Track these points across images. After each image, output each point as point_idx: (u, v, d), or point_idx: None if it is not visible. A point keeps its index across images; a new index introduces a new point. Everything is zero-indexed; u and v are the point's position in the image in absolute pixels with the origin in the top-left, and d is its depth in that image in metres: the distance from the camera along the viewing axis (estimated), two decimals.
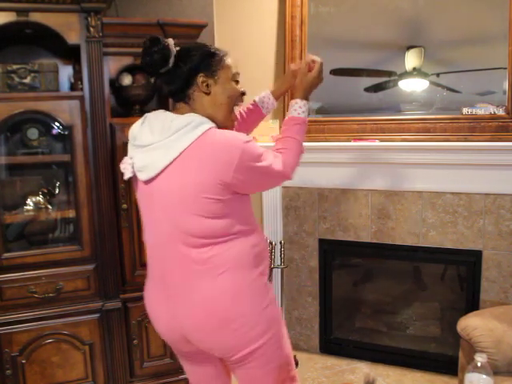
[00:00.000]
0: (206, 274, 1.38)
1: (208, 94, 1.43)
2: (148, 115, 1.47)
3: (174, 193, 1.35)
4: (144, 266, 2.41)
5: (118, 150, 2.30)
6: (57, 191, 2.43)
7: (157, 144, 1.36)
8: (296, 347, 2.97)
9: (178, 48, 1.44)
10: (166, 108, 1.54)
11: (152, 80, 1.49)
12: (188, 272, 1.39)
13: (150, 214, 1.45)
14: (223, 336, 1.40)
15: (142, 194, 1.46)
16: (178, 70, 1.41)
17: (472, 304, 2.52)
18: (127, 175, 1.44)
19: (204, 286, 1.38)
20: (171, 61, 1.40)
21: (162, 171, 1.35)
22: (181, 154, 1.32)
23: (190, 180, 1.33)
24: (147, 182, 1.39)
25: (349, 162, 2.66)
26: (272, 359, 1.46)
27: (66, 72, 2.43)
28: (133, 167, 1.42)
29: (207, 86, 1.43)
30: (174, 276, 1.41)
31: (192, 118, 1.35)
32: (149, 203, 1.43)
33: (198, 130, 1.33)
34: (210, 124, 1.37)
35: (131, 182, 1.55)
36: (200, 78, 1.42)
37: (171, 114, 1.41)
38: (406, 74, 2.57)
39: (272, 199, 2.89)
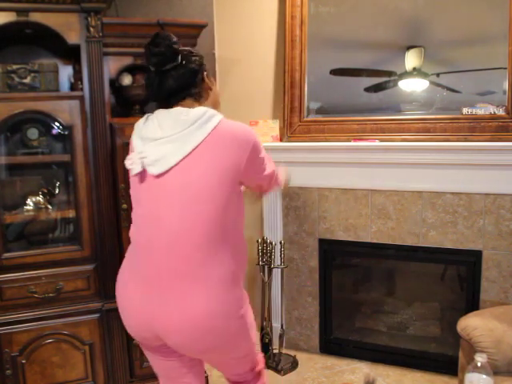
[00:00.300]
0: (201, 281, 1.38)
1: (211, 90, 1.54)
2: (151, 114, 1.47)
3: (188, 186, 1.36)
4: None
5: (118, 150, 2.29)
6: (57, 191, 2.43)
7: (172, 137, 1.37)
8: (296, 347, 2.98)
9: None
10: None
11: (152, 75, 1.46)
12: (185, 275, 1.38)
13: (153, 209, 1.41)
14: (202, 343, 1.42)
15: (145, 190, 1.43)
16: (188, 66, 1.45)
17: (472, 304, 2.52)
18: (136, 170, 1.41)
19: (197, 293, 1.38)
20: (180, 57, 1.44)
21: (176, 164, 1.36)
22: (197, 145, 1.35)
23: (206, 170, 1.36)
24: (158, 176, 1.38)
25: (349, 161, 2.66)
26: (240, 352, 1.55)
27: (65, 72, 2.43)
28: (142, 162, 1.40)
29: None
30: (165, 277, 1.39)
31: (205, 109, 1.41)
32: (154, 198, 1.41)
33: (214, 120, 1.39)
34: (221, 115, 1.42)
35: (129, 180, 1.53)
36: (206, 77, 1.52)
37: (182, 108, 1.43)
38: (405, 74, 2.57)
39: (272, 199, 2.89)
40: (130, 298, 1.47)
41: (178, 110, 1.42)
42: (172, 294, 1.38)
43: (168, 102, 1.46)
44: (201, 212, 1.36)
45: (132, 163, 1.42)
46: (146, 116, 1.49)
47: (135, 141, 1.47)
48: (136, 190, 1.48)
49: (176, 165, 1.36)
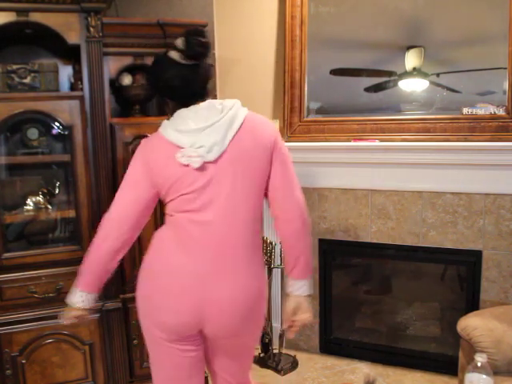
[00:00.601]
0: (253, 258, 1.53)
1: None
2: (178, 113, 1.49)
3: (240, 167, 1.45)
4: None
5: (117, 150, 2.30)
6: (57, 191, 2.43)
7: (218, 123, 1.43)
8: (296, 347, 2.97)
9: None
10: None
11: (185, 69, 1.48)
12: (243, 253, 1.49)
13: (209, 192, 1.45)
14: (247, 321, 1.53)
15: (201, 177, 1.45)
16: (207, 65, 1.52)
17: (472, 304, 2.52)
18: (198, 163, 1.42)
19: (253, 270, 1.52)
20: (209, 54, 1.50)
21: (227, 147, 1.44)
22: (237, 131, 1.45)
23: (249, 151, 1.46)
24: (215, 161, 1.44)
25: (349, 161, 2.66)
26: (258, 336, 1.70)
27: (65, 72, 2.43)
28: (199, 152, 1.42)
29: None
30: (227, 252, 1.47)
31: (234, 100, 1.50)
32: (212, 182, 1.45)
33: (244, 110, 1.50)
34: (245, 107, 1.52)
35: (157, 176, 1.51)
36: None
37: (213, 100, 1.49)
38: (405, 74, 2.57)
39: None
40: (184, 278, 1.48)
41: (209, 102, 1.48)
42: (226, 274, 1.47)
43: (193, 98, 1.48)
44: (252, 192, 1.49)
45: (188, 158, 1.42)
46: (164, 123, 1.51)
47: (176, 136, 1.46)
48: (186, 180, 1.46)
49: (227, 148, 1.44)
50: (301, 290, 1.64)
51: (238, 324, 1.51)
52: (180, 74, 1.46)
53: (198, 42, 1.44)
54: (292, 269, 1.63)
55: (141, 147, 1.56)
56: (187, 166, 1.43)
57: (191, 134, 1.44)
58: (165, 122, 1.52)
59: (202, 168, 1.44)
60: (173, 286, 1.49)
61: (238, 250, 1.49)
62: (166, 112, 1.60)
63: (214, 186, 1.45)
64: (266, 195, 1.56)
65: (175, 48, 1.47)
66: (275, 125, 2.82)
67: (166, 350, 1.57)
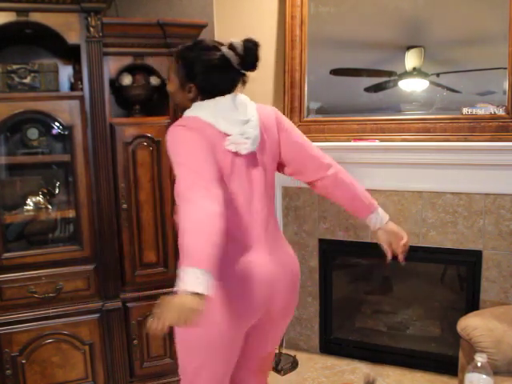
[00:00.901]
0: (282, 237, 1.68)
1: None
2: (207, 104, 1.49)
3: (263, 154, 1.54)
4: (144, 265, 2.42)
5: (118, 150, 2.30)
6: (57, 191, 2.43)
7: (254, 117, 1.52)
8: (296, 347, 2.98)
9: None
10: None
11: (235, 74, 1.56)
12: (277, 233, 1.63)
13: (250, 180, 1.52)
14: (293, 297, 1.64)
15: (240, 167, 1.49)
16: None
17: (472, 304, 2.52)
18: (245, 150, 1.47)
19: (288, 249, 1.66)
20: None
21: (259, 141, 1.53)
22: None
23: (266, 139, 1.55)
24: (255, 152, 1.51)
25: (349, 162, 2.65)
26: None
27: (66, 72, 2.43)
28: (247, 142, 1.47)
29: None
30: (270, 233, 1.57)
31: (243, 95, 1.58)
32: (249, 172, 1.51)
33: (253, 103, 1.58)
34: None
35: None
36: None
37: (235, 95, 1.54)
38: (405, 74, 2.57)
39: None
40: (261, 264, 1.53)
41: (236, 95, 1.53)
42: (279, 247, 1.61)
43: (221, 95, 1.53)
44: (271, 176, 1.59)
45: (237, 145, 1.46)
46: (203, 111, 1.48)
47: (225, 125, 1.46)
48: (234, 167, 1.49)
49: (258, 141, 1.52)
50: (379, 220, 1.72)
51: (289, 299, 1.61)
52: (231, 78, 1.53)
53: (258, 55, 1.52)
54: (358, 212, 1.71)
55: (193, 131, 1.42)
56: (235, 153, 1.46)
57: (238, 125, 1.47)
58: (203, 109, 1.48)
59: (246, 157, 1.49)
60: (253, 274, 1.50)
61: (274, 229, 1.60)
62: (173, 99, 1.64)
63: (252, 174, 1.52)
64: (280, 170, 1.66)
65: (234, 50, 1.49)
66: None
67: (226, 343, 1.52)
